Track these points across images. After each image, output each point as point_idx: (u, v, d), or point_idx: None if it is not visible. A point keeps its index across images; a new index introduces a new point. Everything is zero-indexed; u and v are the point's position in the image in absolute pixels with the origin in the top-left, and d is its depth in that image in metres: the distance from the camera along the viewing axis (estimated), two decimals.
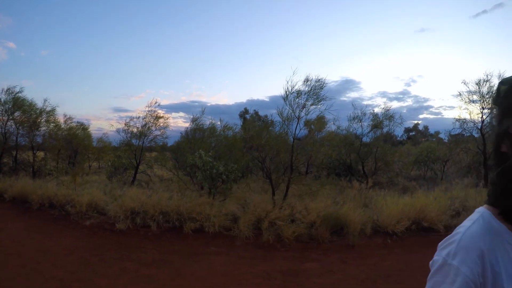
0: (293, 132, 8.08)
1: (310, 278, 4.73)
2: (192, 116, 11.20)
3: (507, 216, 0.77)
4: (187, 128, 11.47)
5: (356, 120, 10.73)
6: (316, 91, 7.93)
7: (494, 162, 0.81)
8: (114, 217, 7.08)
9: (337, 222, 6.46)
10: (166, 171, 11.87)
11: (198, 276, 4.75)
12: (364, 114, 10.84)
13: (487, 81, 10.25)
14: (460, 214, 7.21)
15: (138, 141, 11.69)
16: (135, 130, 11.68)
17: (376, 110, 11.43)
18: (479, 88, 10.37)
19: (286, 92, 8.03)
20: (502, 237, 0.76)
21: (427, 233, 6.68)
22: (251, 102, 48.32)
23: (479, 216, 0.80)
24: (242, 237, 6.27)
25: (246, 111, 28.74)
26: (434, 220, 6.84)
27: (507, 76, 0.82)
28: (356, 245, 5.97)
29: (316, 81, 7.99)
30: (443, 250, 0.76)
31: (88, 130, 17.86)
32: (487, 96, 10.25)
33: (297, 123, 8.01)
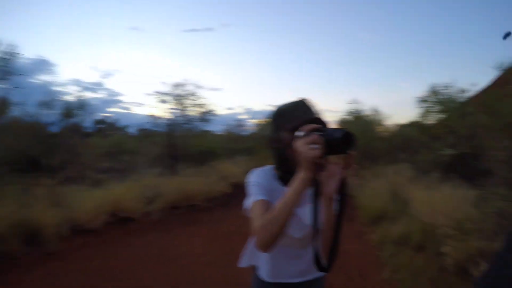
0: None
1: None
2: None
3: (280, 177, 1.37)
4: None
5: (45, 107, 9.20)
6: None
7: (273, 150, 1.36)
8: None
9: (29, 229, 5.32)
10: None
11: None
12: (55, 101, 9.51)
13: (179, 86, 11.92)
14: (154, 201, 7.85)
15: None
16: None
17: (68, 98, 10.31)
18: (172, 91, 11.89)
19: None
20: (275, 182, 1.36)
21: (126, 223, 6.84)
22: None
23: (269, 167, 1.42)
24: None
25: None
26: (131, 209, 7.10)
27: (283, 103, 1.38)
28: (57, 251, 5.16)
29: None
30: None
31: None
32: (178, 98, 11.93)
33: None
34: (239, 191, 9.55)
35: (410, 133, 9.95)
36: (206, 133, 13.50)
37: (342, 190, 1.08)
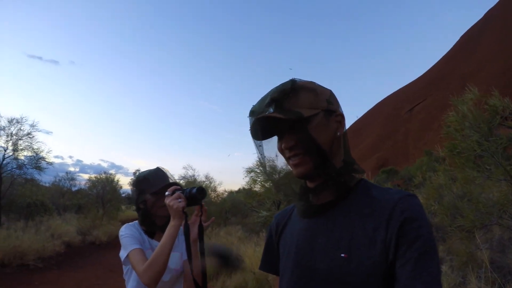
0: None
1: None
2: None
3: (145, 230, 1.73)
4: None
5: None
6: None
7: (138, 209, 1.73)
8: None
9: None
10: None
11: None
12: None
13: (14, 122, 10.02)
14: None
15: None
16: None
17: None
18: (5, 126, 9.94)
19: None
20: (143, 235, 1.71)
21: None
22: None
23: (135, 222, 1.76)
24: None
25: None
26: None
27: (142, 171, 1.80)
28: None
29: None
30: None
31: None
32: (11, 136, 9.95)
33: None
34: (73, 252, 8.46)
35: (239, 198, 11.28)
36: (36, 182, 11.51)
37: (201, 233, 1.53)
